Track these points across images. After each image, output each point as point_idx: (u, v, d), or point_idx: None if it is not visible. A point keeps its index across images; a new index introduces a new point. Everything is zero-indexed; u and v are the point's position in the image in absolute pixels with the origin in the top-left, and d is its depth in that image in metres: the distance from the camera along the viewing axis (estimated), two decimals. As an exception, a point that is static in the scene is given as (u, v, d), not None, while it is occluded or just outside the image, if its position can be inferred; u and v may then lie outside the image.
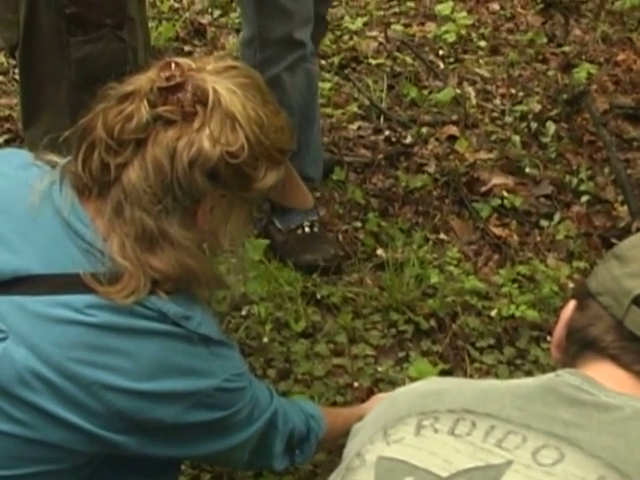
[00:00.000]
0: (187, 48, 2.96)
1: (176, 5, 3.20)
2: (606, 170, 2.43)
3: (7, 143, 2.44)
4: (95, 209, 1.04)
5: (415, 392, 0.88)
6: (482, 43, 3.07)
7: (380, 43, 3.04)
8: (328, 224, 2.18)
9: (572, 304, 0.90)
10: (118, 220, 1.02)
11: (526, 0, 3.32)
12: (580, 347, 0.85)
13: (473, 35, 3.12)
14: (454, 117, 2.65)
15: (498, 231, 2.22)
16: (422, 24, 3.19)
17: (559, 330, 0.90)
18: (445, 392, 0.85)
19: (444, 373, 1.75)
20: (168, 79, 1.02)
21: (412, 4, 3.29)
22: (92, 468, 1.12)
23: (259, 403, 1.18)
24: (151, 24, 2.54)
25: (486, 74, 2.88)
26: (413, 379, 1.68)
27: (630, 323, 0.82)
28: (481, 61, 2.97)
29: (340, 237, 2.16)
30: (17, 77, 2.59)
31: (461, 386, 0.86)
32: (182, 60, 1.05)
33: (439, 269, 2.04)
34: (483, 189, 2.35)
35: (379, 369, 1.79)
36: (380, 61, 2.91)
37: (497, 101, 2.75)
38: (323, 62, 2.84)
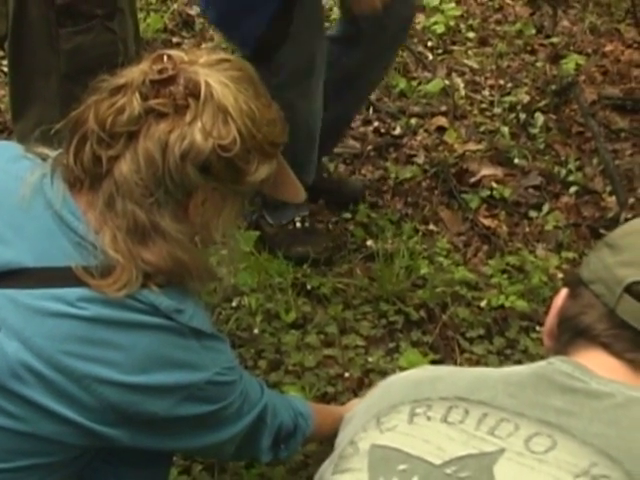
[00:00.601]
0: (175, 39, 2.95)
1: (164, -4, 3.18)
2: (594, 161, 2.44)
3: (-5, 135, 2.43)
4: (87, 202, 1.04)
5: (408, 380, 0.88)
6: (471, 34, 3.08)
7: (369, 34, 3.04)
8: (318, 215, 2.19)
9: (564, 292, 0.90)
10: (110, 213, 1.02)
11: (514, -9, 3.32)
12: (572, 335, 0.86)
13: (462, 26, 3.13)
14: (443, 108, 2.65)
15: (487, 222, 2.23)
16: (411, 15, 3.18)
17: (551, 318, 0.90)
18: (438, 380, 0.85)
19: (434, 363, 1.76)
20: (160, 72, 1.02)
21: (401, -5, 3.28)
22: (84, 460, 1.13)
23: (249, 397, 1.18)
24: (139, 15, 2.51)
25: (475, 65, 2.88)
26: (403, 369, 1.68)
27: (622, 312, 0.82)
28: (470, 52, 2.97)
29: (330, 227, 2.17)
30: (6, 69, 2.57)
31: (454, 374, 0.87)
32: (174, 53, 1.05)
33: (429, 260, 2.05)
34: (472, 180, 2.36)
35: (369, 359, 1.80)
36: (369, 52, 2.90)
37: (486, 92, 2.76)
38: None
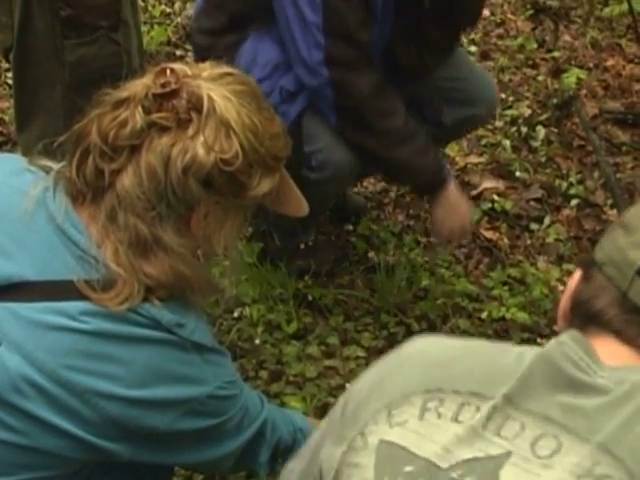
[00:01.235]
0: (179, 52, 2.96)
1: (168, 10, 3.20)
2: (595, 174, 2.44)
3: (-1, 147, 2.44)
4: (89, 215, 1.04)
5: (421, 360, 0.85)
6: (473, 48, 3.09)
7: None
8: (320, 227, 2.19)
9: (578, 274, 0.86)
10: (112, 226, 1.02)
11: (516, 6, 3.33)
12: (584, 320, 0.82)
13: (464, 40, 3.13)
14: (445, 121, 2.65)
15: (489, 234, 2.24)
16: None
17: (564, 301, 0.86)
18: (452, 363, 0.82)
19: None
20: (163, 86, 1.02)
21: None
22: (85, 474, 1.12)
23: (249, 411, 1.18)
24: (143, 28, 2.53)
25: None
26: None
27: (634, 295, 0.78)
28: (472, 65, 2.98)
29: (333, 238, 2.18)
30: (9, 81, 2.59)
31: (469, 355, 0.83)
32: (178, 66, 1.05)
33: (430, 272, 2.06)
34: (474, 193, 2.37)
35: (370, 372, 1.79)
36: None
37: (488, 105, 2.76)
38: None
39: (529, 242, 2.21)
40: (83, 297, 1.00)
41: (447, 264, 2.10)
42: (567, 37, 3.18)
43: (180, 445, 1.11)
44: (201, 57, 1.56)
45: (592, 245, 2.19)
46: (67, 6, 1.62)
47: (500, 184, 2.41)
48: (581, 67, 2.96)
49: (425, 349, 0.87)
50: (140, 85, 1.04)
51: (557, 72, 2.92)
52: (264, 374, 1.77)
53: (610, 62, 2.99)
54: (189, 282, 1.05)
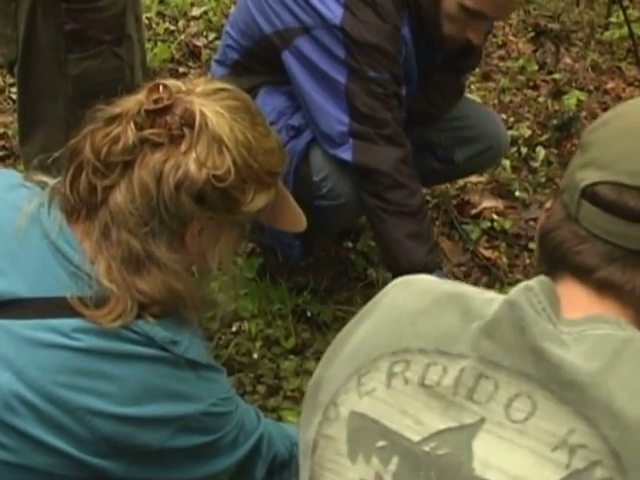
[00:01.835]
0: (182, 69, 2.98)
1: (172, 27, 3.23)
2: (595, 195, 2.44)
3: (2, 160, 2.45)
4: (83, 231, 1.03)
5: (392, 312, 0.79)
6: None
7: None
8: (320, 244, 2.19)
9: (545, 206, 0.80)
10: (105, 242, 1.01)
11: (517, 28, 3.36)
12: (549, 259, 0.77)
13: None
14: (446, 141, 2.66)
15: (488, 253, 2.24)
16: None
17: (536, 240, 0.81)
18: (421, 317, 0.76)
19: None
20: (156, 102, 1.01)
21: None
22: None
23: (245, 427, 1.17)
24: (147, 45, 2.55)
25: (478, 99, 2.90)
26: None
27: (584, 219, 0.72)
28: (473, 87, 3.00)
29: (332, 254, 2.18)
30: (12, 95, 2.61)
31: (438, 306, 0.77)
32: (171, 82, 1.05)
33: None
34: (473, 212, 2.37)
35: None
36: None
37: (488, 125, 2.77)
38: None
39: (528, 261, 2.21)
40: (76, 314, 0.99)
41: (446, 283, 2.09)
42: (568, 59, 3.19)
43: (174, 462, 1.09)
44: None
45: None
46: (71, 20, 1.63)
47: (500, 204, 2.41)
48: (581, 89, 2.97)
49: (401, 304, 0.80)
50: (133, 101, 1.04)
51: (557, 94, 2.94)
52: (262, 389, 1.77)
53: (610, 85, 3.01)
54: (182, 298, 1.04)
